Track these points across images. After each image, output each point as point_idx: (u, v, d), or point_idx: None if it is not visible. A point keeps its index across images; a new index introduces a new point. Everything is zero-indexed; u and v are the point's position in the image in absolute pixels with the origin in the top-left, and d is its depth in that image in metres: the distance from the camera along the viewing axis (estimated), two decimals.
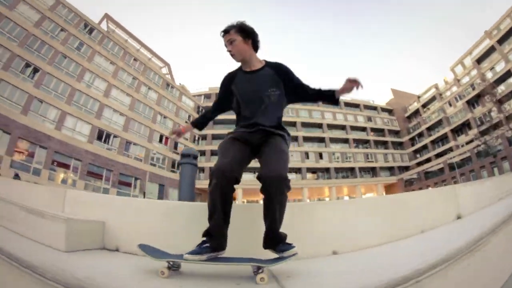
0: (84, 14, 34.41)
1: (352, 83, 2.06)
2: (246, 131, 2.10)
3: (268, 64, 2.18)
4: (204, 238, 1.86)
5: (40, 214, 2.44)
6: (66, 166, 27.86)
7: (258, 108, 2.11)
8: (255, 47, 2.17)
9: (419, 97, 58.48)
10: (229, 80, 2.21)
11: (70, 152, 28.38)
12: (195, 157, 5.20)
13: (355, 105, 58.78)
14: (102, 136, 31.27)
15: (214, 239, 1.84)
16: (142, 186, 32.26)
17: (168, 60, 47.89)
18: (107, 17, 37.84)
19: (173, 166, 38.85)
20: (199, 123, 2.51)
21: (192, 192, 4.99)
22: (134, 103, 36.58)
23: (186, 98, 47.51)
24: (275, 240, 1.85)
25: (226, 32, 2.09)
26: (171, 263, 1.73)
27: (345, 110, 57.08)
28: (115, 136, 32.40)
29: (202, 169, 43.69)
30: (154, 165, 36.12)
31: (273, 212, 1.82)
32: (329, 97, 2.20)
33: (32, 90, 28.08)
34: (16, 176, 18.43)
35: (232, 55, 2.12)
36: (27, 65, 28.35)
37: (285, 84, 2.16)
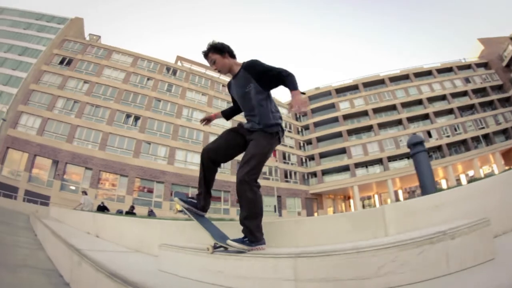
0: (163, 59, 37.56)
1: (298, 109, 2.14)
2: (243, 125, 2.53)
3: (242, 66, 2.42)
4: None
5: None
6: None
7: (246, 105, 2.44)
8: (233, 56, 2.47)
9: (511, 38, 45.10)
10: (228, 88, 2.65)
11: (187, 182, 30.10)
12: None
13: (448, 69, 48.34)
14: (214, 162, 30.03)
15: (200, 201, 2.54)
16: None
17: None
18: (179, 58, 40.86)
19: (285, 176, 38.83)
20: (228, 114, 2.90)
21: (434, 182, 4.60)
22: (235, 125, 34.01)
23: (280, 108, 44.58)
24: (243, 230, 2.18)
25: (205, 55, 2.46)
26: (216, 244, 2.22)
27: (440, 78, 46.94)
28: None
29: (314, 174, 41.97)
30: (268, 178, 34.91)
31: (241, 206, 2.20)
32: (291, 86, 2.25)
33: (139, 135, 31.17)
34: (151, 212, 18.39)
35: (219, 71, 2.49)
36: (128, 115, 32.06)
37: (258, 77, 2.33)
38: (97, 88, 31.96)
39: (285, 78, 2.22)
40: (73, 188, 27.78)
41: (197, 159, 29.71)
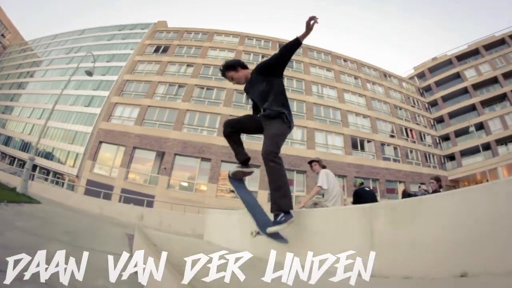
0: (273, 36, 29.91)
1: (310, 20, 2.21)
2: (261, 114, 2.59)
3: (252, 71, 2.66)
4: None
5: None
6: None
7: (262, 102, 2.57)
8: (245, 67, 2.70)
9: None
10: (246, 93, 2.78)
11: (335, 170, 19.30)
12: None
13: None
14: (356, 144, 24.47)
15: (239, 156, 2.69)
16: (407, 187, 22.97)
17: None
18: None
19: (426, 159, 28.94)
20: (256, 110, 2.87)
21: None
22: (369, 101, 27.95)
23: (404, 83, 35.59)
24: (273, 207, 2.15)
25: (223, 75, 2.73)
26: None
27: None
28: (368, 141, 25.12)
29: (451, 157, 30.72)
30: (411, 162, 26.79)
31: (269, 181, 2.27)
32: (295, 45, 2.35)
33: None
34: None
35: (238, 83, 2.71)
36: None
37: (266, 72, 2.52)
38: (204, 70, 24.32)
39: (282, 48, 2.40)
40: (185, 184, 19.65)
41: (339, 141, 23.63)
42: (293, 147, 21.34)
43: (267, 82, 2.48)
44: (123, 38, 37.05)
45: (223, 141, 20.36)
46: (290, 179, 20.76)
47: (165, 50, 26.02)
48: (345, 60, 30.34)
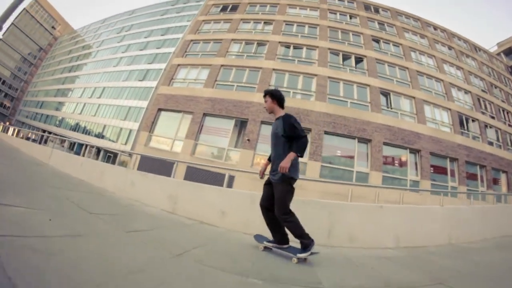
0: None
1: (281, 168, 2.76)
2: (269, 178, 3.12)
3: (282, 115, 3.01)
4: None
5: None
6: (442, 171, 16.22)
7: (275, 147, 3.03)
8: (281, 104, 3.09)
9: None
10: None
11: (446, 151, 16.50)
12: None
13: None
14: (462, 122, 18.88)
15: (275, 238, 3.11)
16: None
17: None
18: None
19: None
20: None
21: None
22: (467, 75, 21.98)
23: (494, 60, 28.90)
24: (301, 244, 2.90)
25: (264, 96, 3.13)
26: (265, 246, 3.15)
27: None
28: (472, 120, 19.34)
29: None
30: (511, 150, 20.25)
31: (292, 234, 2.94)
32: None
33: (369, 80, 17.55)
34: None
35: (266, 109, 3.13)
36: (345, 56, 19.01)
37: (287, 128, 2.89)
38: (287, 27, 19.64)
39: (299, 139, 2.83)
40: None
41: (446, 117, 18.01)
42: (403, 119, 16.37)
43: (282, 136, 2.95)
44: (177, 12, 34.26)
45: (324, 107, 15.69)
46: (403, 161, 16.03)
47: (234, 8, 21.91)
48: (435, 28, 24.55)
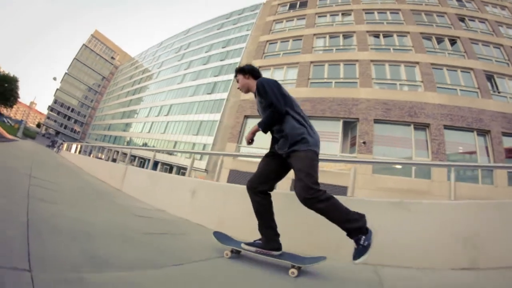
0: None
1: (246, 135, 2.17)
2: (275, 149, 2.21)
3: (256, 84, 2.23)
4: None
5: None
6: None
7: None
8: (256, 76, 2.32)
9: None
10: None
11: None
12: None
13: None
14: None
15: (263, 238, 2.07)
16: None
17: None
18: None
19: None
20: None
21: None
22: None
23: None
24: (351, 234, 1.85)
25: (235, 77, 2.46)
26: (234, 250, 2.12)
27: None
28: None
29: None
30: None
31: (327, 218, 1.90)
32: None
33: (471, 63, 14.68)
34: None
35: (239, 89, 2.41)
36: (439, 39, 16.44)
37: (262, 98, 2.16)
38: (368, 16, 17.64)
39: (269, 112, 2.06)
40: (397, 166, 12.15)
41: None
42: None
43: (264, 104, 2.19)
44: (234, 24, 34.20)
45: (437, 98, 13.31)
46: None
47: (303, 4, 20.54)
48: None
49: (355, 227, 1.83)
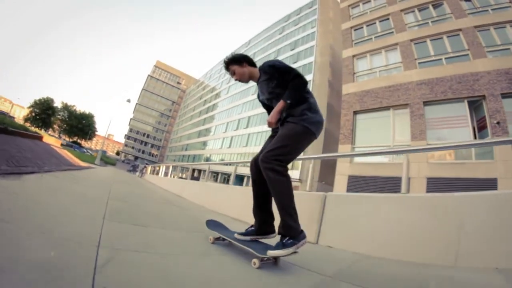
0: None
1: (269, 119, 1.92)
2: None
3: (259, 69, 2.13)
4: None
5: None
6: None
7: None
8: (252, 64, 2.21)
9: None
10: (258, 97, 2.35)
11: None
12: None
13: None
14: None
15: (255, 223, 2.01)
16: None
17: None
18: None
19: None
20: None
21: None
22: None
23: None
24: (282, 228, 1.75)
25: (226, 69, 2.22)
26: (221, 238, 2.10)
27: None
28: None
29: None
30: None
31: (274, 198, 1.80)
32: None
33: None
34: None
35: (240, 81, 2.22)
36: None
37: (276, 77, 1.99)
38: None
39: (293, 81, 1.88)
40: None
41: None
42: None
43: (274, 86, 2.04)
44: (295, 25, 34.10)
45: None
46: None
47: None
48: None
49: (291, 224, 1.73)
